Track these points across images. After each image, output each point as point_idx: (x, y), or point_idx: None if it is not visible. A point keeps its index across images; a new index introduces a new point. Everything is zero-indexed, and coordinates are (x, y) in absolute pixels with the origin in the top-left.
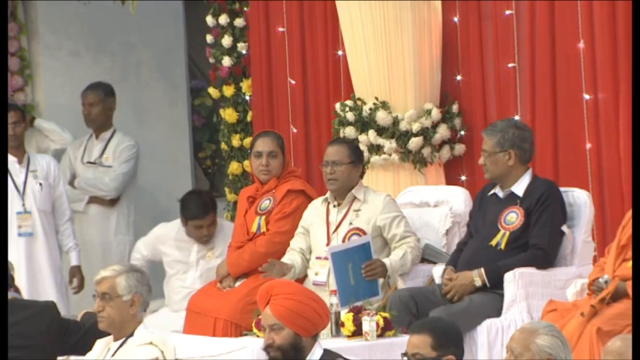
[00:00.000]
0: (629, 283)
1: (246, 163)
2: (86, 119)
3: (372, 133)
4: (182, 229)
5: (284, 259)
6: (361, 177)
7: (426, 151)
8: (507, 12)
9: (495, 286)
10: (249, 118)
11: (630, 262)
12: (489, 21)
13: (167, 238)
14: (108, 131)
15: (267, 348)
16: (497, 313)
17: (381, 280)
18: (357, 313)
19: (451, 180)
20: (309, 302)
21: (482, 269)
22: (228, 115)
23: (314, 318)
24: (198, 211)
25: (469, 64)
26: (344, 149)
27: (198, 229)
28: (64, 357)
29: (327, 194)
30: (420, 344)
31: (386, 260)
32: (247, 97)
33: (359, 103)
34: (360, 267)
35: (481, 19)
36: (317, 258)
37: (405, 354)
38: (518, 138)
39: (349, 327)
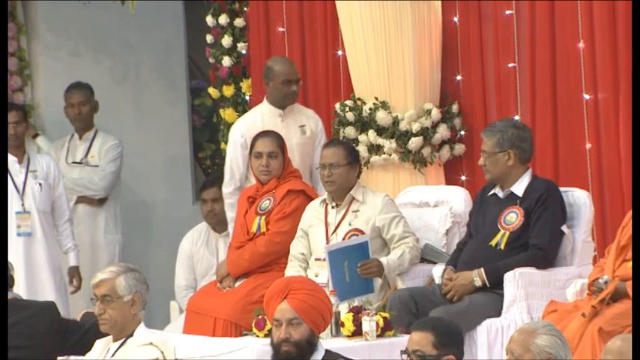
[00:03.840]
0: (629, 284)
1: None
2: (76, 119)
3: (372, 133)
4: None
5: (289, 274)
6: (358, 177)
7: (426, 151)
8: (507, 12)
9: (495, 286)
10: None
11: (629, 263)
12: (489, 21)
13: None
14: (91, 131)
15: (281, 343)
16: (498, 313)
17: (380, 280)
18: (357, 313)
19: (451, 180)
20: (325, 300)
21: (482, 269)
22: (228, 115)
23: (326, 316)
24: None
25: (469, 64)
26: (341, 151)
27: None
28: (64, 357)
29: (325, 195)
30: (422, 341)
31: (383, 259)
32: (247, 97)
33: (359, 103)
34: (356, 265)
35: (481, 19)
36: (316, 259)
37: (404, 351)
38: (517, 138)
39: (349, 327)
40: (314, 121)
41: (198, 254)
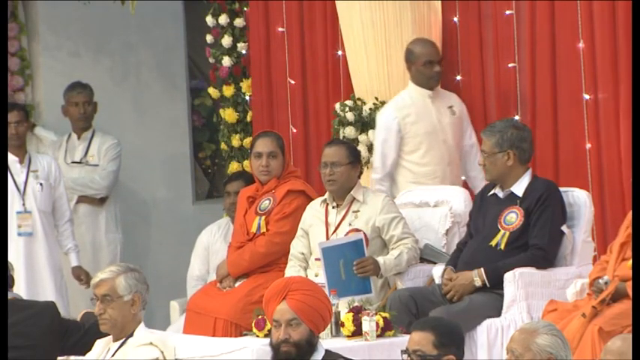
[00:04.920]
0: (629, 284)
1: (246, 163)
2: (80, 118)
3: (372, 133)
4: None
5: (289, 275)
6: (359, 177)
7: None
8: (507, 12)
9: (495, 286)
10: (249, 118)
11: (629, 262)
12: (489, 21)
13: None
14: (89, 131)
15: (280, 343)
16: (498, 313)
17: (380, 281)
18: (357, 313)
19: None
20: (324, 300)
21: (482, 269)
22: (228, 115)
23: (326, 316)
24: None
25: (469, 64)
26: (342, 150)
27: None
28: (64, 357)
29: (326, 195)
30: (422, 341)
31: (380, 259)
32: (247, 97)
33: (359, 103)
34: (352, 264)
35: (481, 19)
36: (316, 259)
37: (405, 351)
38: (517, 138)
39: (349, 327)
40: (458, 103)
41: (215, 246)
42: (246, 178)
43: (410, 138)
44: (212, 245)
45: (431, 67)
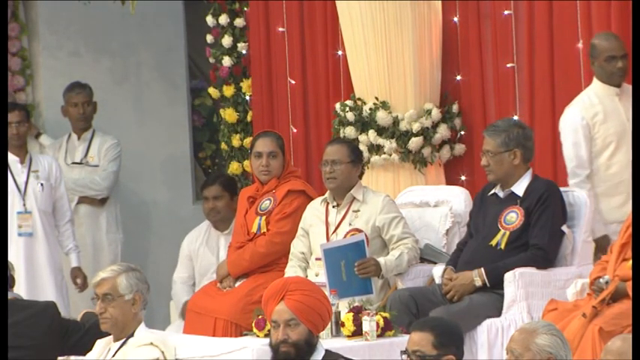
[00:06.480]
0: (629, 284)
1: (246, 163)
2: (80, 118)
3: (372, 133)
4: None
5: (289, 274)
6: (360, 177)
7: (426, 151)
8: (506, 12)
9: (495, 286)
10: (249, 118)
11: (629, 262)
12: (488, 21)
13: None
14: (89, 131)
15: (279, 344)
16: (498, 313)
17: (380, 281)
18: (357, 313)
19: (451, 180)
20: (323, 300)
21: (482, 269)
22: (228, 115)
23: (325, 316)
24: None
25: (469, 64)
26: (344, 148)
27: None
28: (64, 357)
29: (326, 195)
30: (422, 342)
31: (381, 260)
32: (247, 97)
33: (359, 103)
34: (353, 265)
35: (480, 18)
36: (317, 259)
37: (404, 351)
38: (522, 137)
39: (349, 327)
40: None
41: (197, 252)
42: (223, 181)
43: (599, 139)
44: (194, 252)
45: (613, 62)
